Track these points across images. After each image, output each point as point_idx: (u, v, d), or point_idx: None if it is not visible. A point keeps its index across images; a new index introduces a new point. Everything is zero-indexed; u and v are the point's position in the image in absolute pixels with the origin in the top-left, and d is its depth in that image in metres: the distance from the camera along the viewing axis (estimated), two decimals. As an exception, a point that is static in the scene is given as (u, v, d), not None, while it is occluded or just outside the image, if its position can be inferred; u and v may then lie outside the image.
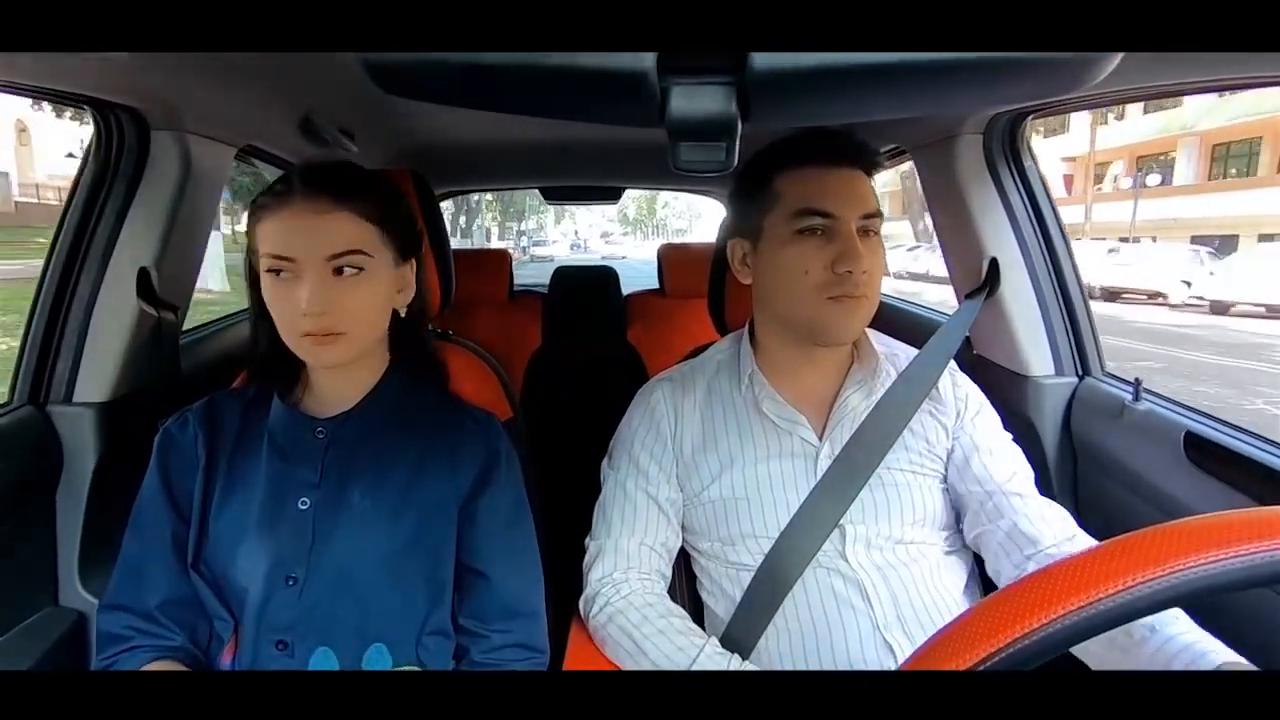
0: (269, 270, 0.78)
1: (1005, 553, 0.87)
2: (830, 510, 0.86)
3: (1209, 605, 0.40)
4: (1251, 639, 0.94)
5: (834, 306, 0.85)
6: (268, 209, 0.78)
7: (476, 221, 29.66)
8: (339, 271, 0.78)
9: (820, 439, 0.91)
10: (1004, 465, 0.91)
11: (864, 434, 0.89)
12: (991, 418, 0.96)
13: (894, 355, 0.98)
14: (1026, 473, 0.93)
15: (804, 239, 0.86)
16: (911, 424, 0.90)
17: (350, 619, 0.81)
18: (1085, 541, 0.86)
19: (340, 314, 0.77)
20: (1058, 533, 0.85)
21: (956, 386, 0.97)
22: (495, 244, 30.44)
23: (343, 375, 0.87)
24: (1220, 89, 0.96)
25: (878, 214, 0.88)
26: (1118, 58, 0.34)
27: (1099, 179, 23.67)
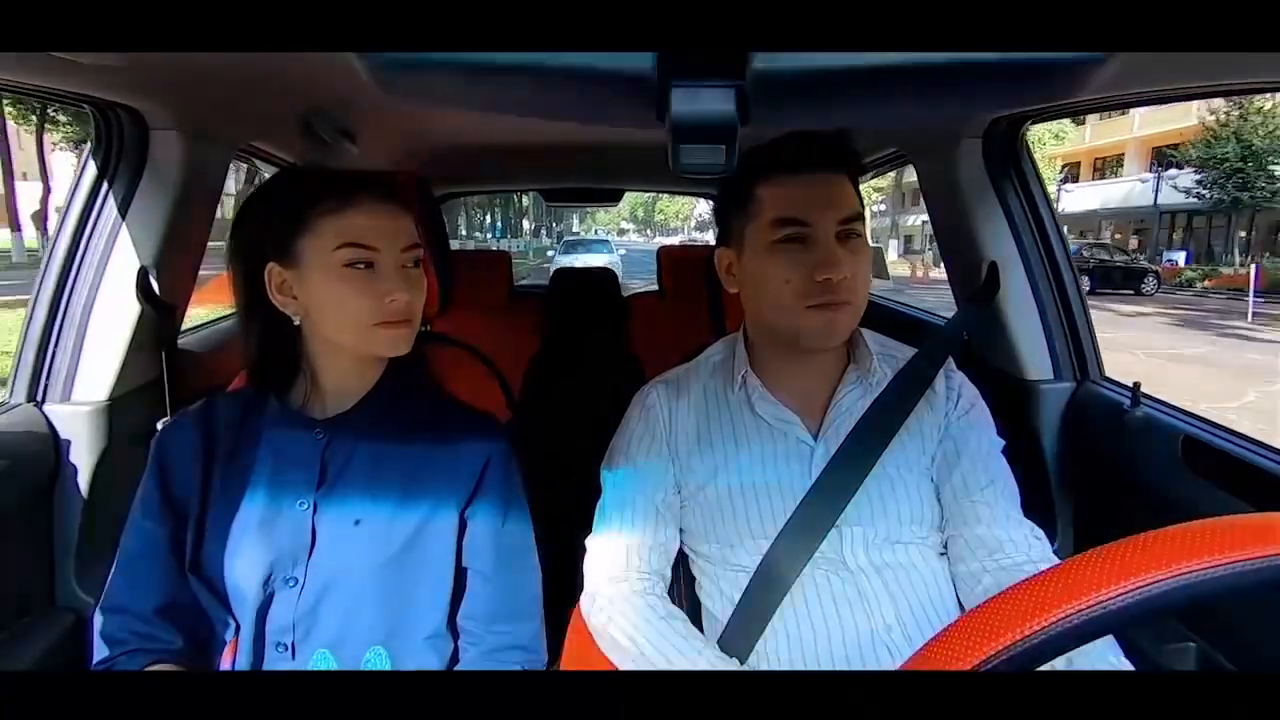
0: (349, 264, 0.79)
1: (963, 559, 0.87)
2: (827, 510, 0.86)
3: (1198, 608, 0.40)
4: (1240, 639, 0.94)
5: (815, 315, 0.85)
6: (338, 209, 0.79)
7: (525, 221, 41.25)
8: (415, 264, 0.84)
9: (815, 439, 0.91)
10: (983, 473, 0.90)
11: (861, 433, 0.88)
12: (982, 421, 0.95)
13: (891, 355, 0.97)
14: (1008, 486, 0.92)
15: (783, 248, 0.85)
16: (908, 423, 0.90)
17: (350, 621, 0.81)
18: (1050, 562, 0.86)
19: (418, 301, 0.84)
20: (1021, 549, 0.85)
21: (950, 377, 0.96)
22: (529, 235, 40.57)
23: (346, 374, 0.86)
24: (1223, 94, 0.96)
25: (858, 216, 0.86)
26: (1118, 61, 0.34)
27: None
